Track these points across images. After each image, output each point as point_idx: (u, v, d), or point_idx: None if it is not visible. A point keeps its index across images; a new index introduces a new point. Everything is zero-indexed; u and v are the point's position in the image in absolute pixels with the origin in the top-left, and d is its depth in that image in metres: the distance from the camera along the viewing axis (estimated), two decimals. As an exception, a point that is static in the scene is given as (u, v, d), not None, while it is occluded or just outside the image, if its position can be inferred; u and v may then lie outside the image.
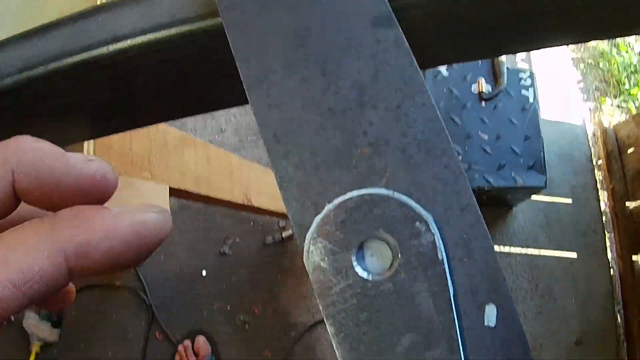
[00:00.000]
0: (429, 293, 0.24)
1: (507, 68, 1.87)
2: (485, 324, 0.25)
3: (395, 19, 0.28)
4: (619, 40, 2.44)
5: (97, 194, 0.25)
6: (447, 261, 0.25)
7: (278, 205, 1.49)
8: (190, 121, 2.23)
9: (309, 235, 0.26)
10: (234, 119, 2.25)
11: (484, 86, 1.85)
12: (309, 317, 2.05)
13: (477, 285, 0.25)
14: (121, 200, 0.81)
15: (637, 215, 2.17)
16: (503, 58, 1.85)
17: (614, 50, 2.50)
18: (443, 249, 0.25)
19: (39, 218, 0.23)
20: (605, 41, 2.46)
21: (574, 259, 2.20)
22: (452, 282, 0.25)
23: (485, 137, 1.82)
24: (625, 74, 2.46)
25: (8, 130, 0.39)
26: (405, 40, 0.27)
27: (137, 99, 0.37)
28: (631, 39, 2.48)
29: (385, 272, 0.25)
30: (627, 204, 2.19)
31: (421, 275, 0.25)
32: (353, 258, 0.25)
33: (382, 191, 0.26)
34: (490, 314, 0.25)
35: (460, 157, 1.79)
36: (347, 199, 0.26)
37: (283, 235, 2.08)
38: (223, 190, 1.16)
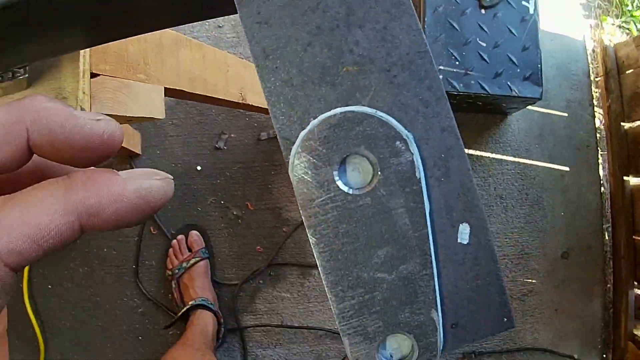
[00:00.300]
0: (405, 209, 0.26)
1: (509, -23, 1.84)
2: (459, 241, 0.27)
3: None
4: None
5: (104, 150, 0.27)
6: (425, 180, 0.26)
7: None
8: (188, 16, 2.19)
9: (293, 150, 0.27)
10: (232, 15, 2.21)
11: (485, -7, 1.82)
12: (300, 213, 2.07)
13: (453, 205, 0.27)
14: (117, 102, 0.81)
15: (631, 136, 2.16)
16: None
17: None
18: (421, 168, 0.26)
19: (54, 179, 0.25)
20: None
21: (565, 172, 2.21)
22: (429, 200, 0.26)
23: (484, 44, 1.80)
24: (628, -4, 2.41)
25: (11, 42, 0.39)
26: None
27: (134, 8, 0.37)
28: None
29: (365, 187, 0.26)
30: (622, 124, 2.18)
31: (399, 192, 0.26)
32: (335, 172, 0.26)
33: (365, 109, 0.26)
34: (464, 232, 0.27)
35: (457, 63, 1.78)
36: (331, 116, 0.26)
37: (277, 131, 2.08)
38: (218, 89, 1.15)
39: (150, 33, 0.90)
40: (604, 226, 2.22)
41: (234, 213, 2.09)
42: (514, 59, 1.80)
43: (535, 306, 2.16)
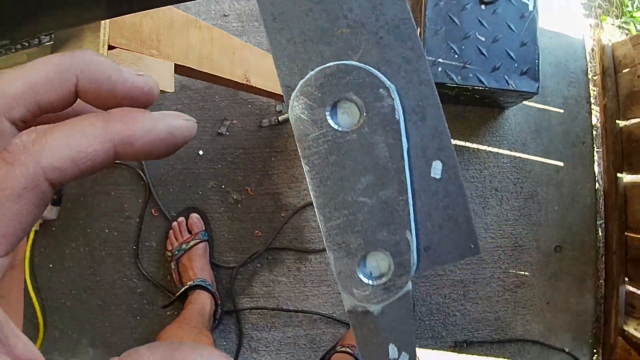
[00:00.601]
0: (385, 144, 0.31)
1: (510, -25, 1.88)
2: (432, 175, 0.32)
3: None
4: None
5: (143, 101, 0.31)
6: (404, 123, 0.31)
7: (275, 86, 1.54)
8: (194, 6, 2.22)
9: (293, 94, 0.31)
10: (237, 5, 2.24)
11: (485, -11, 1.86)
12: (299, 199, 2.12)
13: (428, 145, 0.32)
14: (132, 75, 0.86)
15: (625, 133, 2.19)
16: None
17: (620, -28, 2.48)
18: (401, 111, 0.31)
19: (95, 113, 0.30)
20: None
21: (560, 167, 2.24)
22: (407, 140, 0.31)
23: (483, 39, 1.83)
24: (629, -4, 2.44)
25: (34, 11, 0.43)
26: None
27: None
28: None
29: (352, 126, 0.31)
30: (618, 121, 2.22)
31: (381, 130, 0.31)
32: (327, 113, 0.31)
33: (356, 63, 0.31)
34: (437, 168, 0.32)
35: (456, 56, 1.82)
36: (326, 67, 0.31)
37: (279, 119, 2.12)
38: (224, 69, 1.21)
39: (162, 12, 0.96)
40: (597, 222, 2.25)
41: (234, 197, 2.13)
42: (512, 54, 1.84)
43: (527, 298, 2.20)
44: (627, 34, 2.39)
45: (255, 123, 2.15)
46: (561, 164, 2.24)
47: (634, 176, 2.15)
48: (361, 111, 0.31)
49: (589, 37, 2.37)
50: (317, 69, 0.31)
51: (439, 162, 0.31)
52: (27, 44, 0.70)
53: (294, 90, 0.32)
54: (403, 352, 0.32)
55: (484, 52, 1.83)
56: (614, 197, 2.19)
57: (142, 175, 2.11)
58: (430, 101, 0.31)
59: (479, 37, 1.83)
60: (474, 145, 2.19)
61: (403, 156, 0.31)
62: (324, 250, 2.08)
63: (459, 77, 1.81)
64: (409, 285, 0.32)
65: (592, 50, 2.35)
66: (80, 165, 0.28)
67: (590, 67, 2.32)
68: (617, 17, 2.42)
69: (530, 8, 1.86)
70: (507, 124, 2.22)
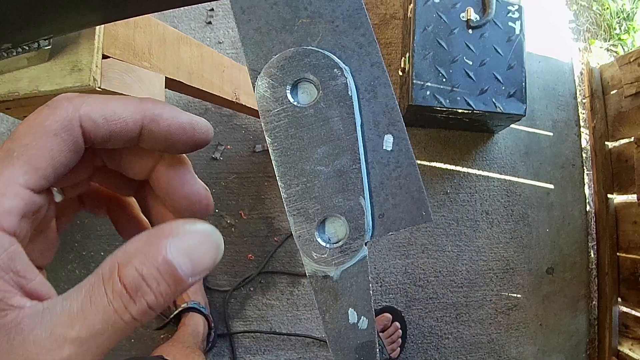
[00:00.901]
0: (340, 118, 0.34)
1: (497, 0, 1.92)
2: (384, 148, 0.35)
3: None
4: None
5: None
6: (357, 100, 0.35)
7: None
8: (189, 32, 2.27)
9: (259, 76, 0.35)
10: (232, 32, 2.28)
11: (473, 15, 1.90)
12: (291, 223, 2.13)
13: (379, 120, 0.35)
14: (124, 83, 0.90)
15: (615, 154, 2.23)
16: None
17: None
18: (354, 89, 0.35)
19: (131, 95, 0.36)
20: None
21: (550, 189, 2.26)
22: (360, 116, 0.35)
23: (470, 62, 1.87)
24: (616, 20, 2.48)
25: (34, 15, 0.47)
26: None
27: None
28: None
29: (310, 103, 0.34)
30: (607, 143, 2.25)
31: (335, 105, 0.34)
32: (288, 91, 0.35)
33: (312, 48, 0.35)
34: (388, 141, 0.35)
35: (444, 80, 1.86)
36: (287, 51, 0.35)
37: (272, 144, 2.15)
38: (214, 86, 1.25)
39: (155, 27, 1.00)
40: (589, 244, 2.27)
41: (228, 221, 2.15)
42: (499, 77, 1.88)
43: (520, 320, 2.21)
44: (615, 57, 2.43)
45: (248, 148, 2.18)
46: (551, 186, 2.27)
47: (624, 196, 2.17)
48: (318, 89, 0.35)
49: (578, 60, 2.41)
50: (279, 54, 0.35)
51: (390, 135, 0.35)
52: (27, 48, 0.75)
53: (259, 73, 0.35)
54: (362, 317, 0.35)
55: (472, 76, 1.87)
56: (604, 218, 2.21)
57: (137, 199, 2.12)
58: (381, 81, 0.35)
59: (467, 60, 1.87)
60: (464, 169, 2.22)
61: (356, 128, 0.34)
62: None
63: (447, 100, 1.84)
64: (365, 251, 0.34)
65: (581, 73, 2.39)
66: (112, 126, 0.33)
67: (579, 90, 2.36)
68: (605, 40, 2.47)
69: (517, 32, 1.91)
70: (496, 148, 2.25)
